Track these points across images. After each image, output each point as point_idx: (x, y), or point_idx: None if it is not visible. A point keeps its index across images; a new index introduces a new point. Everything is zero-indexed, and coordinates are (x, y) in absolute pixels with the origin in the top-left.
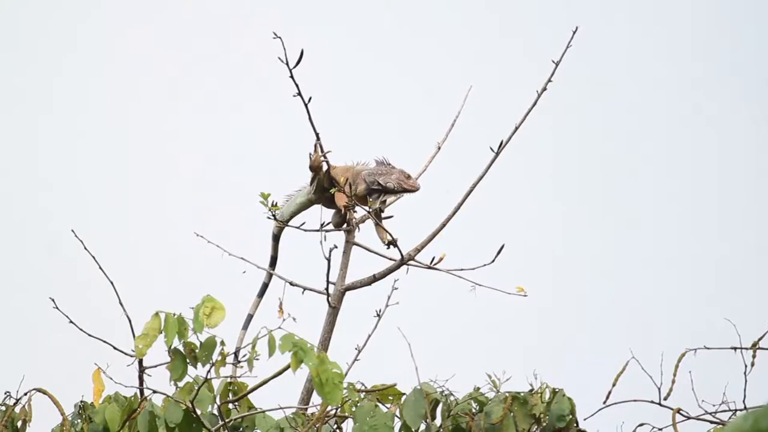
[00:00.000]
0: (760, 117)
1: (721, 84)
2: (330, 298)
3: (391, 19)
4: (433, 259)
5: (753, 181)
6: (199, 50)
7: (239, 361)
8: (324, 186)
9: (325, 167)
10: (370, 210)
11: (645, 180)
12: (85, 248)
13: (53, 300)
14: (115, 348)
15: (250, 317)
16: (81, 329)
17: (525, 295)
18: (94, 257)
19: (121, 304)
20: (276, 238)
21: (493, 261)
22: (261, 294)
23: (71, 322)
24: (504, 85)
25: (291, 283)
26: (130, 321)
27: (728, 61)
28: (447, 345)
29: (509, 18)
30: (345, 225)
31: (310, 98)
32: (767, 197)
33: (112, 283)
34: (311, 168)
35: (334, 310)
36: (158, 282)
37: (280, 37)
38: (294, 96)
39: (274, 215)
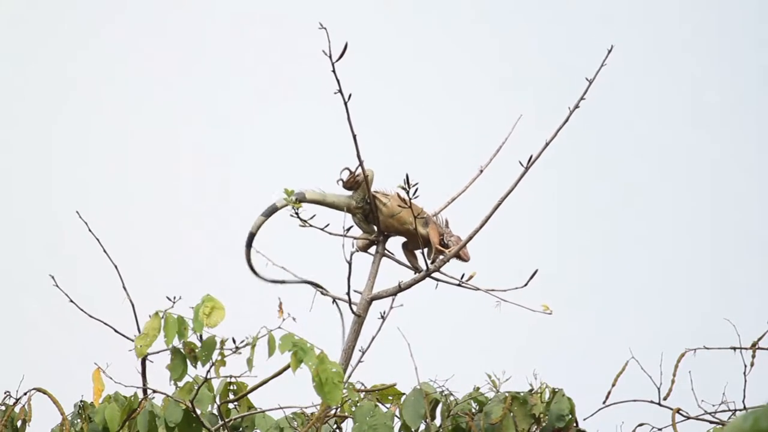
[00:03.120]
0: (761, 115)
1: (720, 85)
2: (356, 307)
3: (425, 38)
4: (463, 275)
5: (753, 181)
6: (207, 51)
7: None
8: (365, 198)
9: (363, 186)
10: (432, 263)
11: (646, 181)
12: (90, 230)
13: (53, 277)
14: (116, 331)
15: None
16: (81, 309)
17: (550, 313)
18: (98, 239)
19: (124, 287)
20: (269, 215)
21: (525, 285)
22: (315, 285)
23: (71, 301)
24: (533, 105)
25: (322, 292)
26: (132, 305)
27: (729, 59)
28: (447, 345)
29: (544, 38)
30: (370, 249)
31: (350, 95)
32: (767, 197)
33: (116, 266)
34: (345, 186)
35: (359, 318)
36: (157, 281)
37: (325, 28)
38: (335, 93)
39: (297, 214)
